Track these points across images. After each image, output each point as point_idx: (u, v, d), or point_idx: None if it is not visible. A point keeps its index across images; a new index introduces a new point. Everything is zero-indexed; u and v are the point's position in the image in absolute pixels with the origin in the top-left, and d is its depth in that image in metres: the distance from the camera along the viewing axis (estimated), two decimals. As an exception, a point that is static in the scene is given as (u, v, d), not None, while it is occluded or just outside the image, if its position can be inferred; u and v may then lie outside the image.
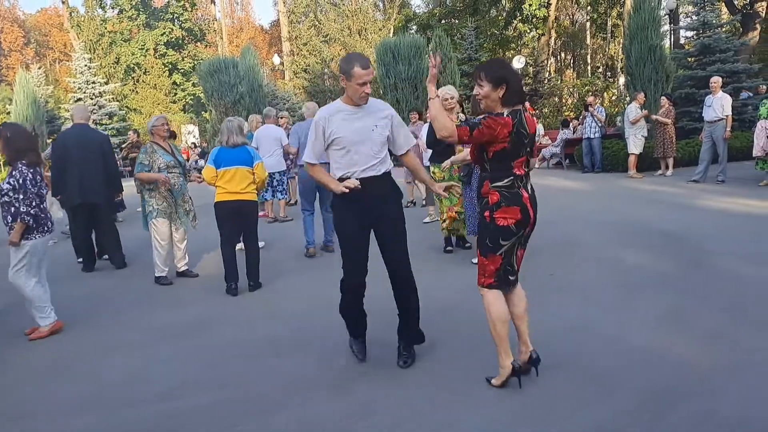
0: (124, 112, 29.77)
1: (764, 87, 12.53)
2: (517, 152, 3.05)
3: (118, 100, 30.45)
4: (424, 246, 6.75)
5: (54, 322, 4.73)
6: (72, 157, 6.61)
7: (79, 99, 25.81)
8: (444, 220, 6.48)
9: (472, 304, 3.88)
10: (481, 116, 3.05)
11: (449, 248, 6.62)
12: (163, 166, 5.98)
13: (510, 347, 3.20)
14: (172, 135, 11.29)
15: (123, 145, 14.34)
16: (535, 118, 3.06)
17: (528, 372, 3.31)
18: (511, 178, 3.07)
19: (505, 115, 3.00)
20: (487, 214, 3.10)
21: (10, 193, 4.43)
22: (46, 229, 4.64)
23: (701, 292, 4.69)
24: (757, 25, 22.79)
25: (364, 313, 3.73)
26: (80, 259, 7.38)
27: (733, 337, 3.74)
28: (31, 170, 4.52)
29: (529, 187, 3.16)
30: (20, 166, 4.49)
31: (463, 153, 5.36)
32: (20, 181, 4.43)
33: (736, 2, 24.01)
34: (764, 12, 23.94)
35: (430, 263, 5.99)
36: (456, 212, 6.30)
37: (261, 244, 7.29)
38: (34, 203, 4.48)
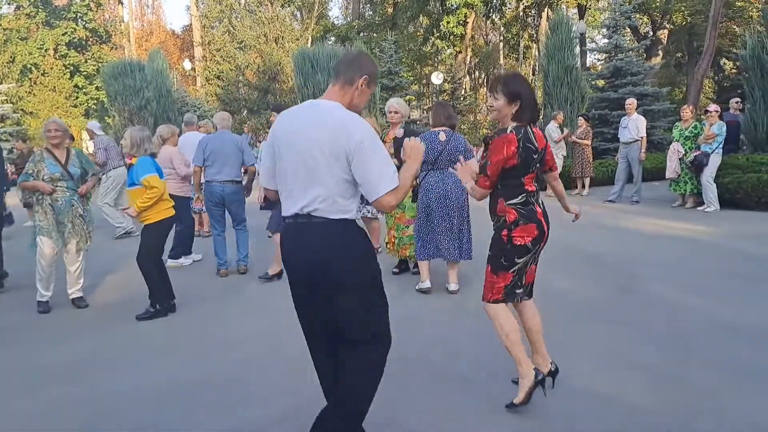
0: (18, 115, 27.57)
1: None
2: (527, 168, 3.01)
3: (12, 102, 28.13)
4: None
5: None
6: None
7: (-34, 99, 23.62)
8: (387, 243, 6.21)
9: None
10: (477, 156, 2.98)
11: (395, 270, 6.23)
12: (47, 179, 5.18)
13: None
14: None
15: (15, 159, 12.73)
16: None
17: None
18: (524, 194, 3.04)
19: (508, 132, 2.96)
20: (504, 233, 3.04)
21: None
22: None
23: (637, 323, 4.48)
24: (660, 51, 24.10)
25: None
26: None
27: (683, 379, 3.49)
28: None
29: (540, 203, 3.12)
30: None
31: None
32: None
33: (639, 29, 25.29)
34: (665, 39, 25.37)
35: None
36: (395, 237, 6.00)
37: (198, 257, 7.23)
38: None
